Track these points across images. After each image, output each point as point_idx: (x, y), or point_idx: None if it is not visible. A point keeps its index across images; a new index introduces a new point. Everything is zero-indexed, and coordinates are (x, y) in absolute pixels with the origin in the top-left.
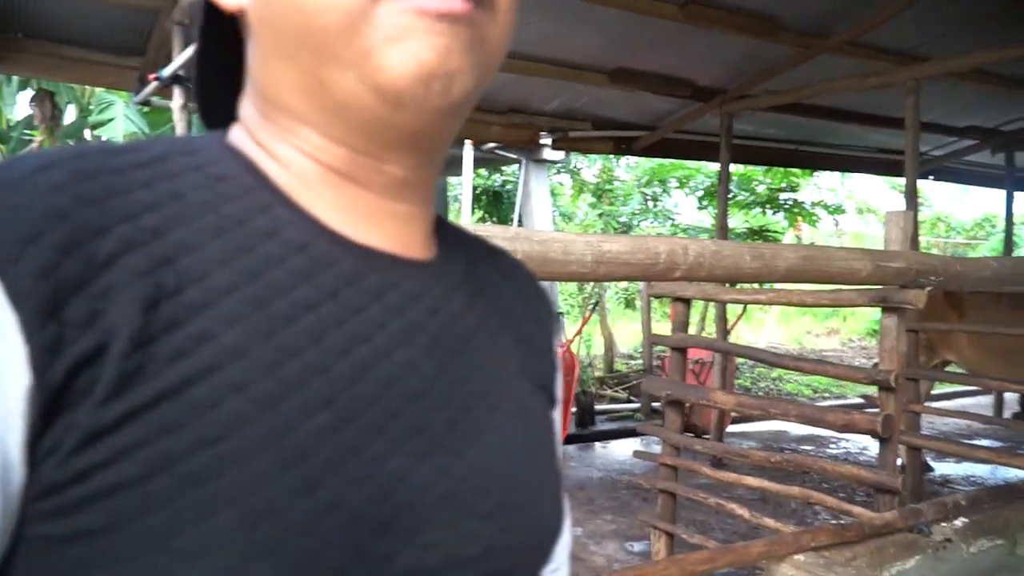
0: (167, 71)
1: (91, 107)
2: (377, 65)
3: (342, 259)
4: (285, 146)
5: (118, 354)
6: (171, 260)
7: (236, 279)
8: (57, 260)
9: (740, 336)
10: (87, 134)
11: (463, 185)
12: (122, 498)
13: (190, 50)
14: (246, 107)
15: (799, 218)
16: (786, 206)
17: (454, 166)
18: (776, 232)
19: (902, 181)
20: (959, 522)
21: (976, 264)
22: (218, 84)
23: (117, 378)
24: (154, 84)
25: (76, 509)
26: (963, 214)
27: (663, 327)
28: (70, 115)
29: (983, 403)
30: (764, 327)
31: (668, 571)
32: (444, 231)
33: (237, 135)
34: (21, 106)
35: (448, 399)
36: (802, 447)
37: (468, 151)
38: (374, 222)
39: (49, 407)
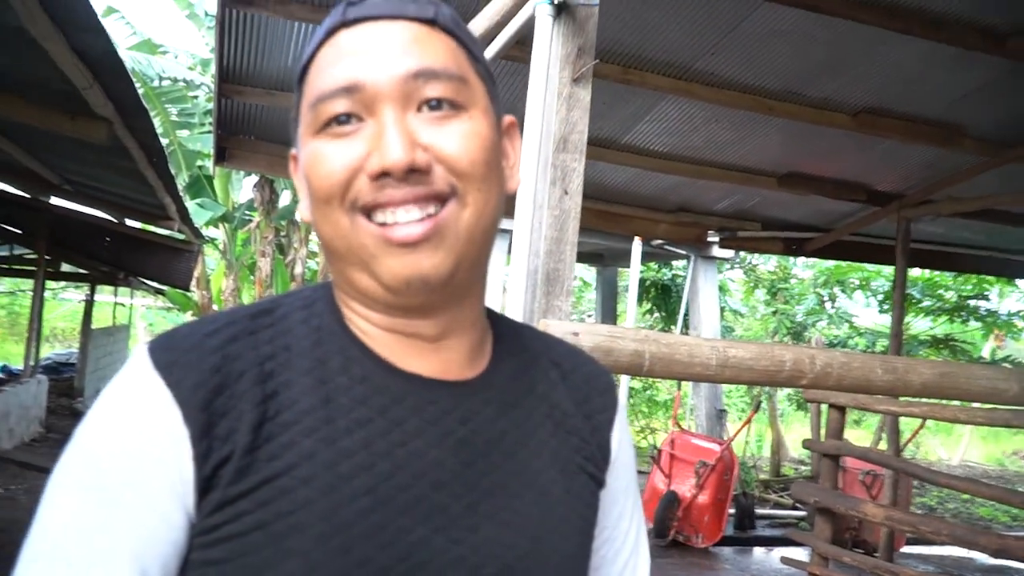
0: None
1: None
2: (372, 271)
3: (393, 385)
4: (354, 312)
5: (237, 458)
6: (276, 394)
7: (315, 404)
8: (210, 399)
9: (930, 451)
10: (297, 215)
11: (631, 278)
12: (235, 543)
13: None
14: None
15: (996, 329)
16: (980, 315)
17: (623, 259)
18: (965, 343)
19: None
20: None
21: None
22: None
23: (236, 472)
24: None
25: (212, 545)
26: None
27: (846, 435)
28: (285, 199)
29: None
30: (959, 443)
31: None
32: (512, 341)
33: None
34: (245, 190)
35: (470, 488)
36: None
37: (637, 246)
38: (419, 357)
39: (202, 488)
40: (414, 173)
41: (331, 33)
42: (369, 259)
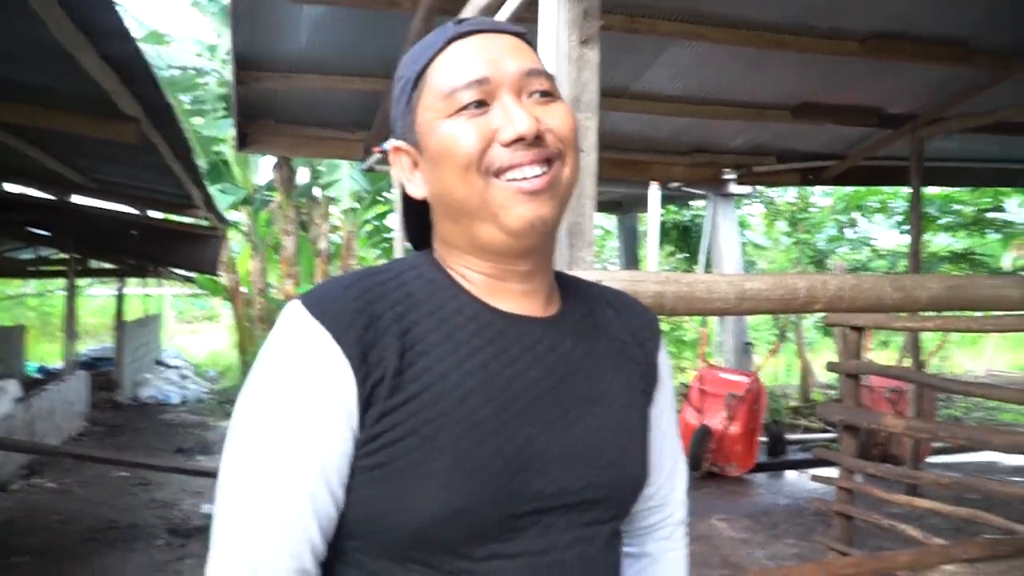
0: (387, 144)
1: (321, 170)
2: (501, 221)
3: (495, 321)
4: (459, 264)
5: (389, 378)
6: (409, 330)
7: (441, 337)
8: (361, 335)
9: (955, 364)
10: (316, 191)
11: (650, 222)
12: (394, 447)
13: None
14: (437, 244)
15: (1014, 240)
16: (997, 226)
17: (641, 204)
18: (985, 255)
19: None
20: None
21: None
22: (415, 224)
23: (389, 390)
24: (377, 155)
25: (375, 452)
26: None
27: (873, 356)
28: (303, 177)
29: None
30: (983, 354)
31: (814, 573)
32: (573, 288)
33: (438, 255)
34: (263, 171)
35: (561, 400)
36: (1013, 478)
37: (654, 191)
38: (512, 298)
39: (364, 404)
40: (536, 139)
41: (447, 44)
42: (499, 210)
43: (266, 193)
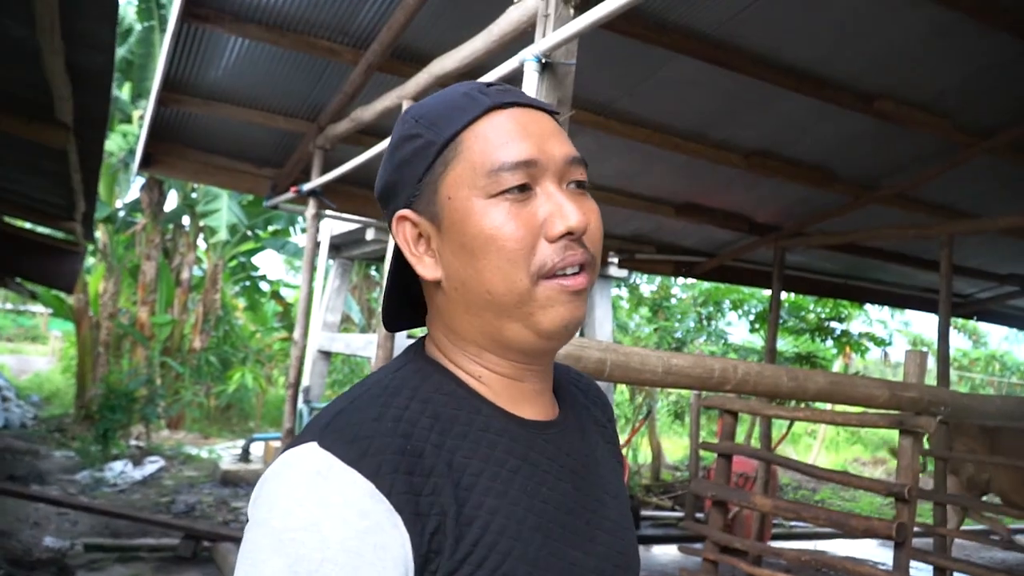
0: (308, 186)
1: (194, 197)
2: (538, 321)
3: (523, 432)
4: (474, 364)
5: (451, 525)
6: (452, 462)
7: (481, 465)
8: (409, 480)
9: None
10: (186, 220)
11: None
12: None
13: (337, 171)
14: (438, 335)
15: (847, 347)
16: (835, 335)
17: None
18: (824, 360)
19: (961, 319)
20: None
21: (982, 400)
22: (397, 301)
23: (453, 539)
24: (291, 193)
25: None
26: (1022, 354)
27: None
28: (172, 202)
29: None
30: (811, 452)
31: None
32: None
33: (433, 353)
34: (134, 191)
35: (584, 507)
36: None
37: None
38: (530, 402)
39: (423, 562)
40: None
41: (487, 111)
42: (538, 310)
43: (131, 212)
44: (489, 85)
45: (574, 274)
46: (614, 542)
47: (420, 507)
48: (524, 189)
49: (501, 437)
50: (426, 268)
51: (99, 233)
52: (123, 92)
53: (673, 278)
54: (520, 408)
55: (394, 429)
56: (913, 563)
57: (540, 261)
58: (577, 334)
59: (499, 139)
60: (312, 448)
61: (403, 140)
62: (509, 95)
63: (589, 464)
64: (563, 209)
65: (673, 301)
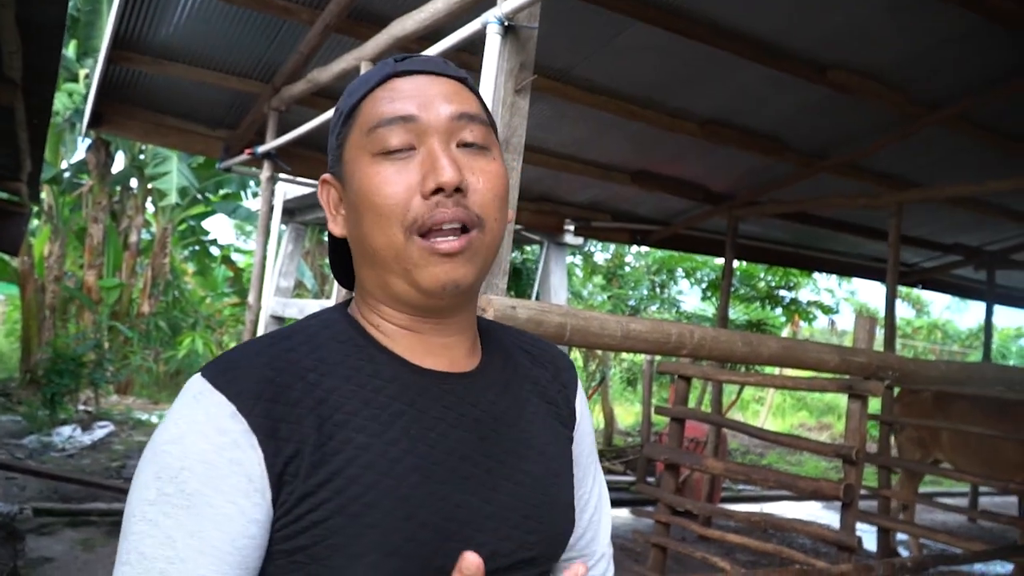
0: (262, 148)
1: (143, 158)
2: (416, 279)
3: (416, 380)
4: (374, 316)
5: (308, 452)
6: (325, 400)
7: (359, 405)
8: (271, 407)
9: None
10: (134, 183)
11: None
12: (319, 528)
13: (292, 133)
14: (356, 288)
15: (796, 315)
16: (784, 303)
17: None
18: (773, 327)
19: (906, 288)
20: None
21: (927, 365)
22: (339, 262)
23: (310, 465)
24: (245, 155)
25: (296, 534)
26: (962, 323)
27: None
28: (119, 163)
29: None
30: (759, 418)
31: None
32: (489, 337)
33: (353, 308)
34: (80, 152)
35: (487, 457)
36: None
37: None
38: (431, 353)
39: (277, 482)
40: (458, 192)
41: (385, 79)
42: (413, 267)
43: (78, 173)
44: (406, 57)
45: (451, 235)
46: (528, 495)
47: (279, 432)
48: (409, 150)
49: (390, 383)
50: (336, 226)
51: (44, 195)
52: (69, 50)
53: (627, 246)
54: (422, 359)
55: (268, 363)
56: (858, 524)
57: (411, 217)
58: (534, 299)
59: (384, 101)
60: (197, 377)
61: (334, 111)
62: (414, 63)
63: (505, 418)
64: (435, 164)
65: (627, 269)
